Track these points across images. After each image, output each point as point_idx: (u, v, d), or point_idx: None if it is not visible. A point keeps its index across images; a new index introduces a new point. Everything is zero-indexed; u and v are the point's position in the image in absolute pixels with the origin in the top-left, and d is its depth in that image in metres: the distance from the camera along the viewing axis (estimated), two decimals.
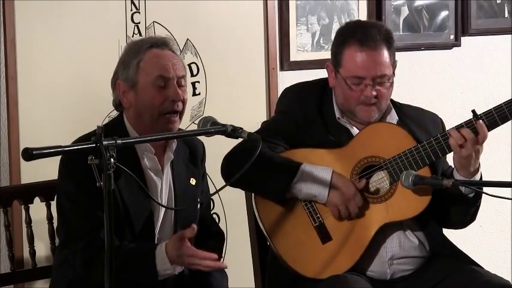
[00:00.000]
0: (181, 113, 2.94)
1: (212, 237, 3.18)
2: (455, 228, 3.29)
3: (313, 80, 3.35)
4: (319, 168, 3.06)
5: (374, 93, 3.09)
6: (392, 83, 3.14)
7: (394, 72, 3.16)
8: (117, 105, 2.97)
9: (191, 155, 3.09)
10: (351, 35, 3.11)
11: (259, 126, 3.30)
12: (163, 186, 2.98)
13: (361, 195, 3.08)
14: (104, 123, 2.95)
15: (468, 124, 3.04)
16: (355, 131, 3.18)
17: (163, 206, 2.95)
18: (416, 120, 3.24)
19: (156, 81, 2.88)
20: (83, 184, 2.80)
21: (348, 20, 4.18)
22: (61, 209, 2.92)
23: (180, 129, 3.05)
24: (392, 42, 3.15)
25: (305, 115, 3.17)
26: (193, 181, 3.07)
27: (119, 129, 2.85)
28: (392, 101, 3.26)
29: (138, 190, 2.84)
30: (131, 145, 2.83)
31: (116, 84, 2.92)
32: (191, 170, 3.09)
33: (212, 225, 3.25)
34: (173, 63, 2.91)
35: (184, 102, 2.93)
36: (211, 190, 3.88)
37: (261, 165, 2.77)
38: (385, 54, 3.09)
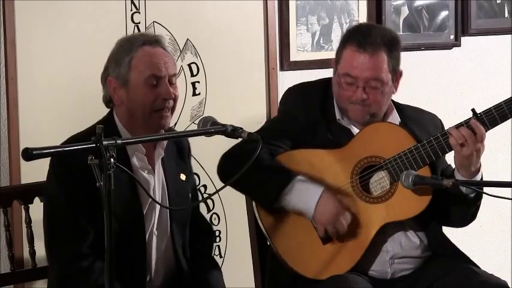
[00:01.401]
0: (172, 109, 2.95)
1: (202, 234, 3.18)
2: (456, 227, 3.29)
3: (315, 81, 3.35)
4: (311, 185, 3.05)
5: (364, 96, 3.09)
6: (388, 90, 3.11)
7: (395, 80, 3.14)
8: (108, 101, 2.97)
9: (179, 151, 3.11)
10: (353, 35, 3.13)
11: (260, 126, 3.30)
12: (156, 184, 2.98)
13: (361, 193, 3.08)
14: (94, 122, 2.95)
15: (468, 123, 3.04)
16: (356, 130, 3.18)
17: (164, 207, 2.95)
18: (416, 121, 3.25)
19: (148, 79, 2.88)
20: (71, 189, 2.79)
21: (350, 25, 4.19)
22: (44, 214, 2.91)
23: (171, 128, 3.06)
24: (394, 50, 3.12)
25: (308, 116, 3.17)
26: (183, 176, 3.09)
27: (109, 128, 2.83)
28: (393, 101, 3.26)
29: (126, 191, 2.84)
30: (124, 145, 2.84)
31: (107, 80, 2.92)
32: (180, 166, 3.10)
33: (202, 221, 3.26)
34: (165, 62, 2.91)
35: (175, 99, 2.94)
36: (211, 190, 3.91)
37: (256, 170, 2.78)
38: (383, 59, 3.08)
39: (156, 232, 2.96)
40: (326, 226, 3.04)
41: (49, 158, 2.34)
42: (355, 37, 3.11)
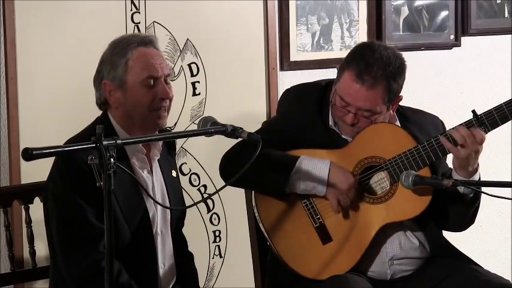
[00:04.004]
0: (168, 109, 2.96)
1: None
2: (455, 231, 3.28)
3: (313, 82, 3.35)
4: (318, 160, 3.07)
5: (354, 121, 3.08)
6: (380, 118, 3.10)
7: (391, 105, 3.12)
8: (102, 103, 2.97)
9: (167, 147, 3.12)
10: (357, 60, 3.06)
11: (260, 126, 3.30)
12: (155, 184, 2.99)
13: (361, 194, 3.08)
14: (88, 125, 2.96)
15: (468, 124, 3.04)
16: (349, 138, 3.17)
17: (165, 207, 2.97)
18: (418, 124, 3.24)
19: (145, 80, 2.89)
20: (80, 189, 2.78)
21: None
22: (52, 216, 2.88)
23: (167, 129, 3.08)
24: (395, 82, 3.06)
25: (305, 117, 3.17)
26: (174, 173, 3.11)
27: (106, 130, 2.83)
28: None
29: (131, 191, 2.85)
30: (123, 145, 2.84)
31: (102, 84, 2.92)
32: (171, 162, 3.13)
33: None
34: (160, 62, 2.92)
35: (171, 99, 2.95)
36: (211, 190, 3.91)
37: (259, 160, 2.77)
38: (379, 93, 3.04)
39: (160, 232, 2.98)
40: (339, 196, 3.04)
41: (49, 158, 2.33)
42: (357, 64, 3.05)
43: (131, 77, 2.88)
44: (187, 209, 3.17)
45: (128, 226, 2.87)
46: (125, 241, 2.86)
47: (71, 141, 2.89)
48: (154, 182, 2.99)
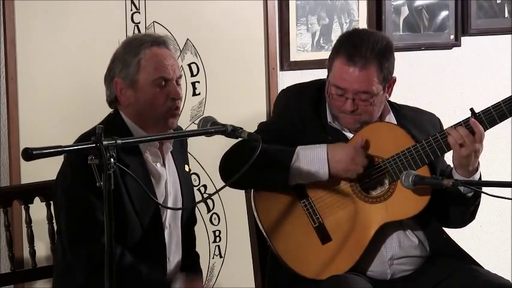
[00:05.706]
0: (177, 111, 2.98)
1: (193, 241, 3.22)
2: (455, 228, 3.29)
3: (309, 82, 3.35)
4: (314, 146, 3.07)
5: (354, 107, 3.08)
6: (378, 100, 3.10)
7: (387, 87, 3.13)
8: (112, 101, 2.98)
9: (180, 143, 3.13)
10: (344, 46, 3.10)
11: (257, 127, 3.30)
12: (168, 176, 3.01)
13: (360, 193, 3.08)
14: (94, 122, 2.96)
15: (466, 122, 3.04)
16: (348, 133, 3.17)
17: (164, 206, 2.97)
18: (415, 122, 3.24)
19: (157, 81, 2.91)
20: (89, 185, 2.79)
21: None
22: (63, 212, 2.90)
23: (179, 127, 3.10)
24: (386, 60, 3.09)
25: (302, 116, 3.17)
26: (186, 168, 3.13)
27: (118, 127, 2.87)
28: (390, 102, 3.26)
29: (143, 182, 2.86)
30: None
31: (113, 81, 2.93)
32: (184, 157, 3.15)
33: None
34: (172, 64, 2.95)
35: (180, 100, 2.97)
36: (211, 190, 3.91)
37: (258, 158, 2.77)
38: (373, 72, 3.06)
39: (168, 225, 2.99)
40: (350, 166, 3.04)
41: (49, 158, 2.33)
42: (345, 49, 3.08)
43: (143, 76, 2.90)
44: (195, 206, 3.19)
45: (138, 217, 2.89)
46: (135, 234, 2.89)
47: (84, 135, 2.89)
48: (168, 174, 3.00)
